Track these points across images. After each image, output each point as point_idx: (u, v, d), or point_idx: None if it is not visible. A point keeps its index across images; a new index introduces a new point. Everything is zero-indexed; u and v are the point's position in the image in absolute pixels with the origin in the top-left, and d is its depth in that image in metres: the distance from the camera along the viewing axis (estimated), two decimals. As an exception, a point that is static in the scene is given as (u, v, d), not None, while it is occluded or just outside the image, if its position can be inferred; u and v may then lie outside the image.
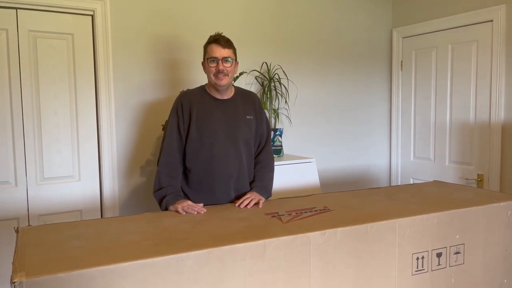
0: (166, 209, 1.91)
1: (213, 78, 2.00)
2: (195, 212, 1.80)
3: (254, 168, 2.15)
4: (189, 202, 1.88)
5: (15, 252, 1.33)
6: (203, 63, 2.08)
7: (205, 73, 2.06)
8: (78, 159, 2.73)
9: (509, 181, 3.01)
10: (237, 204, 1.91)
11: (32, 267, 1.19)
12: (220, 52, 1.98)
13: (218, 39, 2.00)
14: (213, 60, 1.98)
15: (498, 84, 3.04)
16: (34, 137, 2.59)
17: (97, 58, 2.70)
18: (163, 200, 1.94)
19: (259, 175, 2.13)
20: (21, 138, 2.56)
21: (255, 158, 2.16)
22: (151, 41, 2.86)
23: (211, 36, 2.05)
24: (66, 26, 2.64)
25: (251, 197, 1.93)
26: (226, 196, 2.03)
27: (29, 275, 1.14)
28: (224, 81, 2.00)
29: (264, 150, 2.18)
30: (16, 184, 2.57)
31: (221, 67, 1.97)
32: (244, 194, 2.02)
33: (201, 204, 1.88)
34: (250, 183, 2.11)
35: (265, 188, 2.08)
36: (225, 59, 1.98)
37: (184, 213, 1.81)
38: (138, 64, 2.83)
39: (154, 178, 2.86)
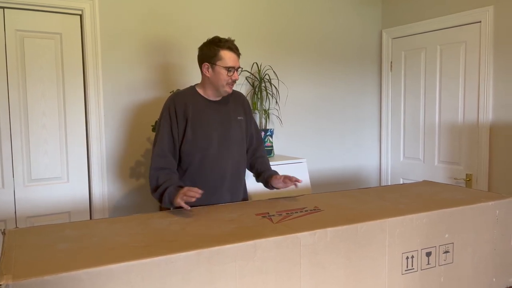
0: (171, 203, 1.82)
1: (224, 85, 1.99)
2: (193, 199, 1.71)
3: (255, 165, 2.17)
4: (186, 188, 1.76)
5: (1, 254, 1.31)
6: (208, 65, 1.99)
7: (209, 76, 1.99)
8: (67, 160, 2.70)
9: (497, 180, 3.05)
10: (290, 182, 1.94)
11: (19, 269, 1.17)
12: (236, 62, 1.98)
13: (234, 48, 1.98)
14: (230, 70, 1.96)
15: (486, 84, 3.07)
16: (22, 138, 2.56)
17: (85, 58, 2.68)
18: (164, 195, 1.85)
19: (266, 166, 2.17)
20: (8, 139, 2.52)
21: (253, 159, 2.19)
22: (140, 41, 2.84)
23: (223, 40, 1.98)
24: (54, 26, 2.61)
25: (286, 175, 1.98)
26: (220, 196, 2.03)
27: (15, 278, 1.12)
28: (232, 88, 2.03)
29: (258, 151, 2.21)
30: (3, 186, 2.53)
31: (237, 77, 1.99)
32: (243, 197, 2.12)
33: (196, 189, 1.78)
34: (259, 174, 2.13)
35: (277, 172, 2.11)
36: (238, 69, 2.00)
37: (188, 207, 1.72)
38: (127, 64, 2.81)
39: (146, 179, 2.87)
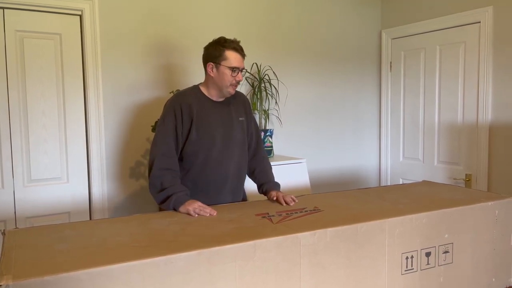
0: (174, 209, 1.83)
1: (228, 86, 1.98)
2: (208, 214, 1.74)
3: (255, 171, 2.16)
4: (199, 203, 1.79)
5: (1, 255, 1.31)
6: (213, 65, 1.97)
7: (213, 76, 1.98)
8: (66, 160, 2.70)
9: (497, 180, 3.05)
10: (284, 203, 1.90)
11: (19, 270, 1.17)
12: (241, 63, 1.98)
13: (239, 49, 1.99)
14: (235, 70, 1.96)
15: (485, 85, 3.07)
16: (21, 138, 2.56)
17: (85, 58, 2.68)
18: (168, 200, 1.85)
19: (267, 175, 2.15)
20: (8, 139, 2.52)
21: (252, 162, 2.18)
22: (140, 41, 2.84)
23: (228, 40, 1.98)
24: (53, 26, 2.61)
25: (283, 195, 1.95)
26: (221, 197, 2.02)
27: (15, 278, 1.12)
28: (235, 90, 2.04)
29: (258, 153, 2.20)
30: (2, 186, 2.53)
31: (241, 78, 1.99)
32: (242, 197, 2.09)
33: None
34: (258, 185, 2.13)
35: (277, 184, 2.11)
36: (242, 70, 2.01)
37: (196, 215, 1.74)
38: (127, 64, 2.81)
39: (146, 179, 2.87)
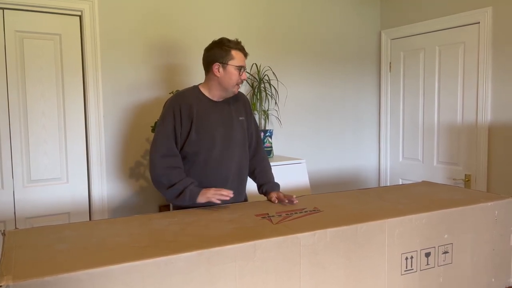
0: (191, 201, 1.86)
1: (235, 86, 2.00)
2: (227, 197, 1.83)
3: (255, 171, 2.17)
4: (214, 189, 1.87)
5: (1, 255, 1.31)
6: (219, 65, 1.97)
7: (220, 76, 1.97)
8: (66, 160, 2.70)
9: (496, 181, 3.05)
10: (287, 202, 1.91)
11: (19, 270, 1.17)
12: (245, 61, 2.02)
13: (242, 48, 2.01)
14: (240, 69, 1.98)
15: (484, 85, 3.07)
16: (21, 138, 2.56)
17: (85, 59, 2.68)
18: (182, 194, 1.88)
19: (266, 176, 2.16)
20: (8, 139, 2.52)
21: (253, 162, 2.18)
22: (140, 42, 2.84)
23: (232, 41, 2.00)
24: (53, 27, 2.61)
25: (284, 194, 1.97)
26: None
27: (15, 279, 1.12)
28: (238, 89, 2.08)
29: (258, 153, 2.20)
30: (2, 187, 2.53)
31: (245, 77, 2.02)
32: (237, 198, 2.05)
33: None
34: (258, 185, 2.13)
35: (277, 185, 2.12)
36: (245, 68, 2.04)
37: (219, 201, 1.83)
38: (127, 64, 2.81)
39: (145, 179, 2.88)
